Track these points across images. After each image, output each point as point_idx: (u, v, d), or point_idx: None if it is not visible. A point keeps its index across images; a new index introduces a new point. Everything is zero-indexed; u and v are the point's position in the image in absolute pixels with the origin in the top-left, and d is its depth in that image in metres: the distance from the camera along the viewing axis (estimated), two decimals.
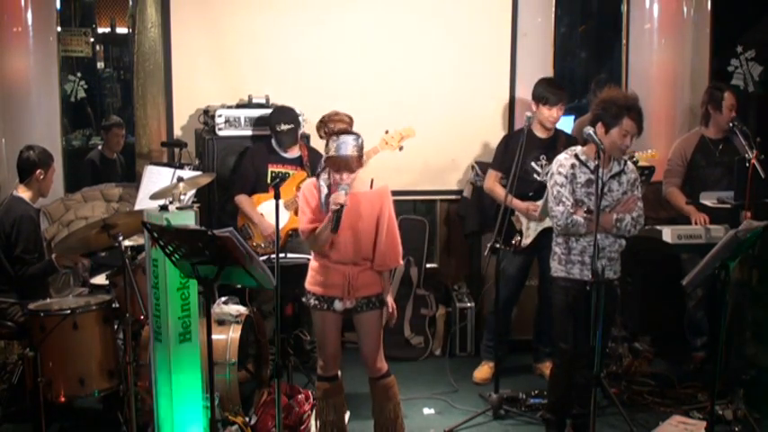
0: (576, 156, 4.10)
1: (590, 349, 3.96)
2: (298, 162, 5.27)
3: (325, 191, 3.86)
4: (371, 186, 3.93)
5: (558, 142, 5.10)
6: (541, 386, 4.97)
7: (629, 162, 4.21)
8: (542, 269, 5.26)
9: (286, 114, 5.21)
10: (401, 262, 4.04)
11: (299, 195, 5.13)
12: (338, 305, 3.92)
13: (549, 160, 5.07)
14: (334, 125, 3.94)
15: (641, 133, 4.05)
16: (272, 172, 5.24)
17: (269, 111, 5.40)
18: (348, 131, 3.86)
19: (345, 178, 3.77)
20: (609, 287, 4.06)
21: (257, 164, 5.26)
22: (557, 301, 4.20)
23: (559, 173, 4.08)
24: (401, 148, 4.45)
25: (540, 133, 5.09)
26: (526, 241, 5.01)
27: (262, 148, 5.31)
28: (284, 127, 5.16)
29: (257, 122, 5.44)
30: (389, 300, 4.00)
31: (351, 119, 4.14)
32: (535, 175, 5.03)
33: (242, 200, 5.26)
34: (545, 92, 5.05)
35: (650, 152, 5.03)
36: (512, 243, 4.92)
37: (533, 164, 5.04)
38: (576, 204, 4.04)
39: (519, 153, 4.84)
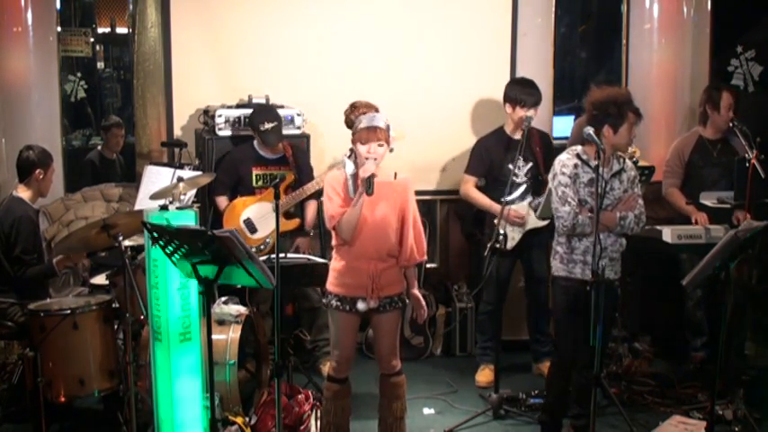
0: (578, 155, 4.11)
1: (590, 349, 3.97)
2: (281, 162, 5.22)
3: (352, 171, 3.86)
4: (395, 179, 3.95)
5: (531, 141, 5.10)
6: (541, 386, 4.96)
7: (627, 160, 4.21)
8: (528, 270, 5.27)
9: (268, 113, 5.17)
10: (426, 256, 4.03)
11: (289, 196, 5.12)
12: (361, 305, 3.89)
13: (525, 160, 5.09)
14: (363, 109, 3.95)
15: (642, 117, 4.08)
16: (256, 175, 5.21)
17: None
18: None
19: (373, 151, 3.79)
20: (609, 287, 4.06)
21: (240, 167, 5.21)
22: (558, 300, 4.19)
23: (563, 173, 4.08)
24: (392, 150, 4.49)
25: (516, 135, 5.10)
26: (511, 244, 5.00)
27: (244, 151, 5.26)
28: (268, 126, 5.10)
29: None
30: (418, 293, 4.00)
31: (376, 107, 4.12)
32: (513, 177, 5.02)
33: (221, 202, 5.25)
34: (521, 94, 5.04)
35: (630, 149, 4.96)
36: (496, 246, 4.91)
37: (509, 165, 5.04)
38: (580, 204, 4.04)
39: (519, 152, 4.84)
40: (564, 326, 4.18)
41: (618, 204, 4.09)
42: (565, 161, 4.11)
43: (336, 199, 3.86)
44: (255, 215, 5.16)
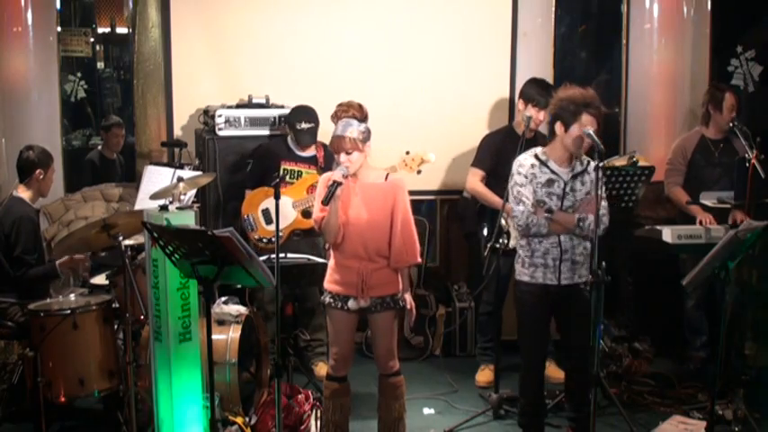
0: (536, 156, 4.07)
1: (581, 351, 3.97)
2: (312, 161, 5.26)
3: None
4: (386, 180, 3.96)
5: (538, 142, 5.10)
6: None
7: (591, 162, 4.15)
8: None
9: (307, 113, 5.20)
10: (419, 259, 4.02)
11: (309, 197, 5.13)
12: (352, 304, 3.91)
13: None
14: (342, 113, 3.98)
15: (600, 128, 4.01)
16: (284, 169, 5.23)
17: (269, 111, 5.42)
18: (354, 117, 3.92)
19: (342, 160, 3.84)
20: (578, 292, 4.03)
21: (271, 158, 5.25)
22: (520, 303, 4.18)
23: (519, 173, 4.05)
24: (419, 172, 4.52)
25: (522, 132, 5.10)
26: (514, 242, 4.99)
27: (278, 144, 5.31)
28: (305, 125, 5.15)
29: (257, 122, 5.43)
30: (408, 297, 4.00)
31: (360, 106, 4.11)
32: None
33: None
34: (536, 94, 5.05)
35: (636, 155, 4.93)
36: (499, 245, 4.90)
37: None
38: (536, 204, 4.02)
39: (520, 149, 4.84)
40: (528, 330, 4.18)
41: (580, 206, 4.06)
42: (522, 161, 4.08)
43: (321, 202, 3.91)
44: (274, 207, 5.17)
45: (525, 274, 4.10)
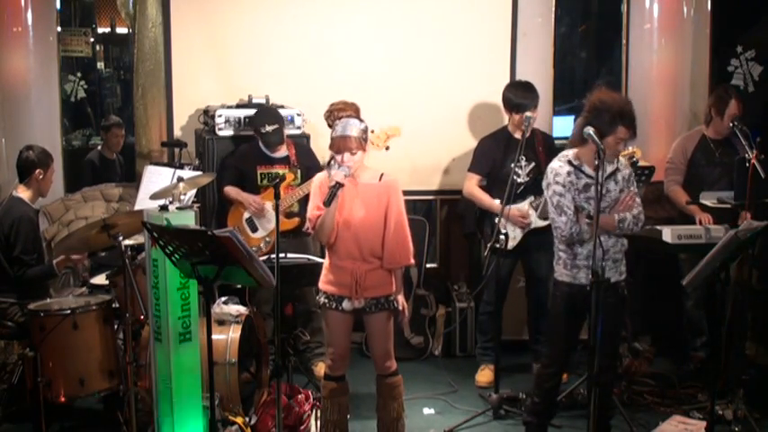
0: (570, 162, 4.02)
1: (610, 349, 3.98)
2: (285, 161, 5.23)
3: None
4: (380, 180, 3.95)
5: (535, 141, 5.10)
6: None
7: (621, 159, 4.13)
8: (528, 270, 5.27)
9: (270, 115, 5.18)
10: (412, 260, 4.01)
11: (286, 197, 5.10)
12: (347, 305, 3.92)
13: (528, 160, 5.08)
14: (339, 113, 3.97)
15: (635, 137, 4.00)
16: (261, 174, 5.21)
17: None
18: (353, 117, 3.92)
19: (346, 160, 3.82)
20: (615, 289, 4.02)
21: (246, 166, 5.22)
22: (556, 304, 4.14)
23: (557, 182, 3.99)
24: (387, 148, 4.46)
25: (517, 135, 5.10)
26: (512, 243, 4.99)
27: (250, 150, 5.26)
28: (269, 128, 5.11)
29: None
30: (401, 299, 3.99)
31: (356, 106, 4.09)
32: (515, 177, 5.01)
33: (229, 189, 5.20)
34: (517, 98, 5.06)
35: (631, 149, 4.91)
36: (498, 244, 4.89)
37: (512, 165, 5.04)
38: (576, 211, 3.99)
39: (520, 152, 4.85)
40: (560, 330, 4.15)
41: (615, 206, 4.05)
42: (557, 169, 4.01)
43: (317, 202, 3.90)
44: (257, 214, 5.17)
45: (567, 275, 4.06)
